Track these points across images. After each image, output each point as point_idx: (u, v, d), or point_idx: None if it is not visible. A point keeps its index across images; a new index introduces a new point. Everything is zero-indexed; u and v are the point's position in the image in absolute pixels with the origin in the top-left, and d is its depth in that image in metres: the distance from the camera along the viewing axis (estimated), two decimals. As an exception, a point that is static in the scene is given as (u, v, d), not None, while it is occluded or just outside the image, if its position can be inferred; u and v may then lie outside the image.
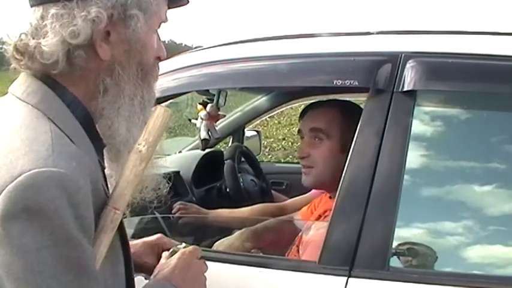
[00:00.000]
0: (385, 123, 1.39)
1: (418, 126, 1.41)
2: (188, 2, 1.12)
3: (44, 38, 0.92)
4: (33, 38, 0.93)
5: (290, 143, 11.21)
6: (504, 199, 1.40)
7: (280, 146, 10.52)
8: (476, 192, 1.42)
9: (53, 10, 0.92)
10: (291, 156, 9.29)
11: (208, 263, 1.41)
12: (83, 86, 0.98)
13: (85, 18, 0.91)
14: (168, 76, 1.72)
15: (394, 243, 1.31)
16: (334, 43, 1.62)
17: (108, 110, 0.99)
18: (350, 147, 1.53)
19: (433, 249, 1.36)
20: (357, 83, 1.46)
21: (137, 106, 1.02)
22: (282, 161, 7.63)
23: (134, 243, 1.28)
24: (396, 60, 1.45)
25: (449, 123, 1.49)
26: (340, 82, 1.47)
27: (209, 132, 2.62)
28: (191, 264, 1.16)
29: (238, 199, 2.56)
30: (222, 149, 3.18)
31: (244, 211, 2.30)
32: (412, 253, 1.36)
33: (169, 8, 1.07)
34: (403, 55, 1.45)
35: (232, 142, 3.28)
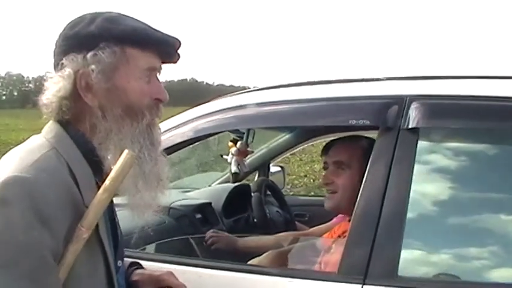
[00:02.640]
0: (393, 156, 1.62)
1: (421, 159, 1.63)
2: (178, 60, 1.37)
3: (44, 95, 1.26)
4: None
5: (312, 180, 11.30)
6: (501, 227, 1.60)
7: (302, 183, 10.60)
8: (472, 218, 1.63)
9: (52, 75, 1.26)
10: (312, 193, 9.41)
11: (243, 275, 1.65)
12: (83, 125, 1.26)
13: (64, 76, 1.22)
14: (204, 118, 1.98)
15: (401, 256, 1.52)
16: (350, 88, 1.85)
17: (103, 147, 1.25)
18: None
19: (433, 262, 1.59)
20: (368, 122, 1.70)
21: (125, 141, 1.26)
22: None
23: (142, 272, 1.50)
24: (402, 102, 1.67)
25: (448, 156, 1.69)
26: (355, 122, 1.71)
27: (239, 167, 2.87)
28: None
29: (265, 228, 2.75)
30: (249, 183, 3.40)
31: (270, 238, 2.51)
32: (416, 265, 1.57)
33: (163, 63, 1.33)
34: (408, 98, 1.67)
35: (258, 176, 3.47)
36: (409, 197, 1.58)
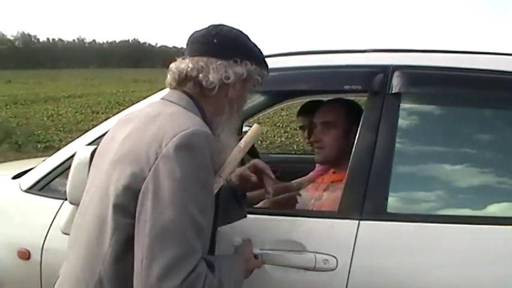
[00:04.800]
0: (380, 116, 1.94)
1: (403, 118, 1.96)
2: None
3: (209, 73, 1.56)
4: (200, 73, 1.57)
5: (259, 142, 11.64)
6: (466, 173, 1.95)
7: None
8: (444, 167, 1.98)
9: (217, 62, 1.57)
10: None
11: (254, 216, 1.94)
12: (212, 106, 1.61)
13: (234, 71, 1.58)
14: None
15: (389, 198, 1.87)
16: (344, 58, 2.16)
17: (221, 126, 1.61)
18: (350, 134, 2.11)
19: (414, 201, 1.95)
20: (360, 87, 2.01)
21: (235, 126, 1.66)
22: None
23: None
24: (387, 71, 2.00)
25: (424, 116, 2.05)
26: (348, 87, 2.02)
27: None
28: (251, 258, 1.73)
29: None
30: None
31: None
32: (401, 203, 1.92)
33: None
34: (391, 67, 2.00)
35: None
36: (394, 149, 1.92)
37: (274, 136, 12.11)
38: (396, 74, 1.99)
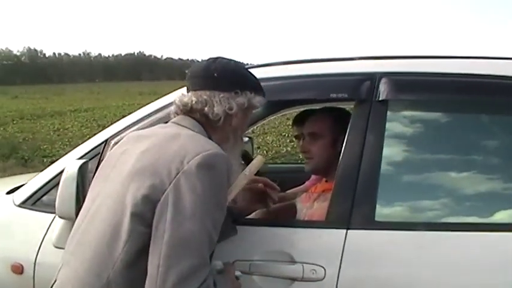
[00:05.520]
0: (367, 124, 1.93)
1: (390, 126, 1.95)
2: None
3: (214, 106, 1.68)
4: (205, 106, 1.68)
5: (265, 151, 11.62)
6: (454, 180, 1.94)
7: (255, 155, 10.86)
8: (432, 174, 1.98)
9: (220, 94, 1.69)
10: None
11: (242, 227, 1.94)
12: (218, 134, 1.72)
13: (236, 102, 1.69)
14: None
15: (377, 206, 1.85)
16: (330, 66, 2.16)
17: (226, 153, 1.61)
18: (338, 143, 2.10)
19: (402, 209, 1.93)
20: (346, 96, 2.01)
21: (238, 151, 1.80)
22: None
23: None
24: (374, 78, 1.99)
25: (412, 123, 2.02)
26: (335, 95, 2.02)
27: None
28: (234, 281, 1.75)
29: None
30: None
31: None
32: (389, 212, 1.90)
33: None
34: (378, 75, 1.99)
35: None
36: (381, 157, 1.91)
37: (280, 146, 12.11)
38: (383, 81, 1.98)
